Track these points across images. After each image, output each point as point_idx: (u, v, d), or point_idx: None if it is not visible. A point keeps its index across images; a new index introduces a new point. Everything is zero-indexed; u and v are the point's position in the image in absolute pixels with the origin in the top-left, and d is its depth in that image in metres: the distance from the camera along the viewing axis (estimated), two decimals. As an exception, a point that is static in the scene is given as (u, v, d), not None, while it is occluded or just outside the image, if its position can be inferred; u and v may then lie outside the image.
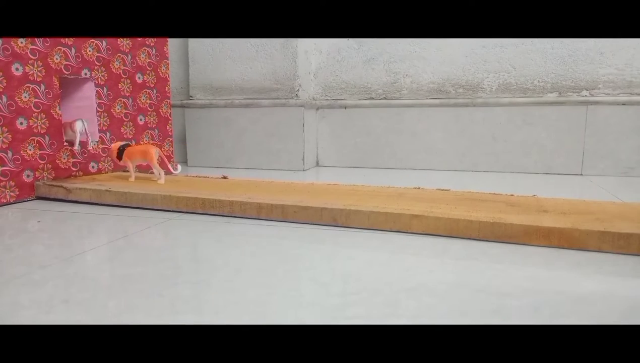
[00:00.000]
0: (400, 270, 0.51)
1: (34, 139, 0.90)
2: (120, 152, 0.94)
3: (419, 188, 0.87)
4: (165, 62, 1.22)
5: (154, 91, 1.19)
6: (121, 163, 0.96)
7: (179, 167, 1.01)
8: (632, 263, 0.53)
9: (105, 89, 1.05)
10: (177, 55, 1.56)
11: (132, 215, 0.77)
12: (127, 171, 1.00)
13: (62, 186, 0.87)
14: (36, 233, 0.66)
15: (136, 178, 0.97)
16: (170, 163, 1.02)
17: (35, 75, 0.89)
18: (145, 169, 1.06)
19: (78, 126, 0.97)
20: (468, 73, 1.34)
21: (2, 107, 0.84)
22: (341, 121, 1.46)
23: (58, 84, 0.94)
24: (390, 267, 0.52)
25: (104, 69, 1.04)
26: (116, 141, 0.96)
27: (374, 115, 1.42)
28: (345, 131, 1.46)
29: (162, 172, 0.94)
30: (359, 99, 1.45)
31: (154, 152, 0.92)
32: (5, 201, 0.85)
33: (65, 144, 0.96)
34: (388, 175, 1.26)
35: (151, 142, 1.19)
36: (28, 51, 0.88)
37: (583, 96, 1.25)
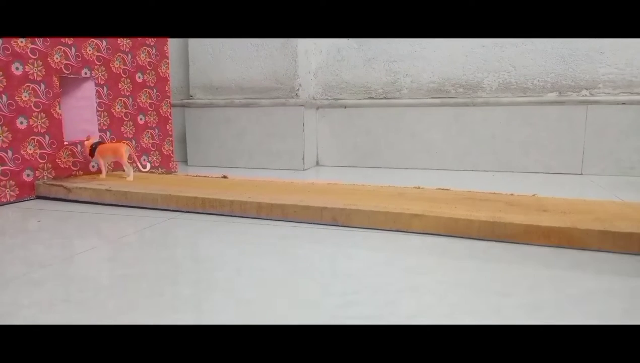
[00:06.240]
0: (400, 270, 0.51)
1: (34, 138, 0.90)
2: (93, 150, 0.96)
3: (419, 187, 0.87)
4: (166, 61, 1.22)
5: (154, 90, 1.19)
6: (93, 160, 0.99)
7: (148, 165, 1.06)
8: (632, 262, 0.53)
9: (105, 89, 1.05)
10: (177, 55, 1.56)
11: (132, 214, 0.77)
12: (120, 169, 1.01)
13: (62, 185, 0.87)
14: (36, 233, 0.66)
15: (107, 175, 0.99)
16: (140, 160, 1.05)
17: (35, 74, 0.89)
18: (118, 166, 1.07)
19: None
20: (468, 73, 1.34)
21: (2, 107, 0.84)
22: (341, 121, 1.46)
23: (58, 83, 0.94)
24: (390, 266, 0.52)
25: (104, 69, 1.04)
26: (91, 138, 0.99)
27: (374, 115, 1.42)
28: (345, 131, 1.46)
29: (132, 170, 0.97)
30: (359, 99, 1.45)
31: (124, 150, 0.95)
32: (5, 200, 0.85)
33: (65, 143, 0.96)
34: (388, 175, 1.26)
35: (150, 140, 1.19)
36: (28, 50, 0.88)
37: (583, 96, 1.25)
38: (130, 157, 0.98)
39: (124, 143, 0.97)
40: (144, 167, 1.04)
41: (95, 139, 1.00)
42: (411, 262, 0.54)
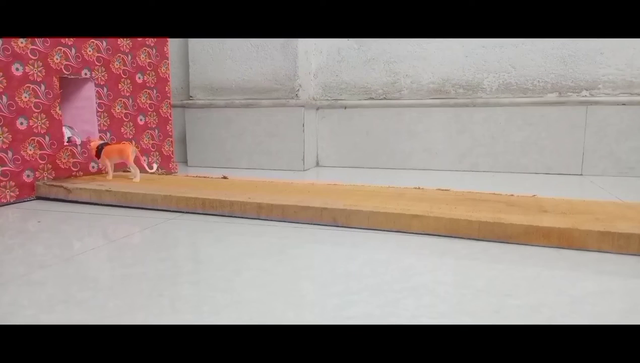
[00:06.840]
0: (400, 270, 0.51)
1: (34, 139, 0.90)
2: (99, 151, 0.96)
3: (419, 188, 0.87)
4: (166, 62, 1.22)
5: (154, 91, 1.19)
6: (100, 161, 0.99)
7: (155, 165, 1.05)
8: (632, 263, 0.53)
9: (105, 89, 1.05)
10: (177, 56, 1.56)
11: (132, 215, 0.77)
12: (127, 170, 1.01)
13: (62, 186, 0.87)
14: (36, 233, 0.66)
15: (114, 177, 0.99)
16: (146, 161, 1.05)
17: (35, 75, 0.89)
18: (120, 166, 1.06)
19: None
20: (468, 73, 1.34)
21: (2, 107, 0.84)
22: (341, 121, 1.46)
23: (58, 84, 0.94)
24: (390, 267, 0.52)
25: (104, 69, 1.04)
26: (96, 140, 0.99)
27: (374, 115, 1.42)
28: (345, 131, 1.46)
29: (138, 171, 0.96)
30: (359, 99, 1.45)
31: (131, 151, 0.94)
32: (5, 201, 0.85)
33: (66, 143, 0.96)
34: (388, 175, 1.26)
35: (150, 141, 1.19)
36: (28, 51, 0.88)
37: (583, 96, 1.25)
38: (136, 158, 0.98)
39: (130, 144, 0.96)
40: (151, 168, 1.04)
41: (96, 140, 0.99)
42: (411, 262, 0.54)
